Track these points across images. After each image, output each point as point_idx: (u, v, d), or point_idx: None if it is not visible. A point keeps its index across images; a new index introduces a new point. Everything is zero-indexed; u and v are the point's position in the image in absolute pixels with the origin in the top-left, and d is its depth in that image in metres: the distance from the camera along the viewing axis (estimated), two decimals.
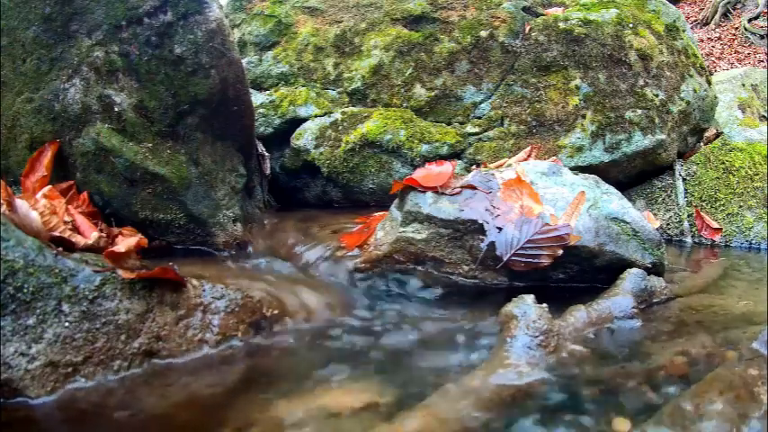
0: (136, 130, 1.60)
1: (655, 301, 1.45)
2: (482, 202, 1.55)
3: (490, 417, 0.95)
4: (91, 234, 1.42)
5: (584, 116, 2.29)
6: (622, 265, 1.51)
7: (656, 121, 2.34)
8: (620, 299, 1.38)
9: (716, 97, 2.76)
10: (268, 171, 2.17)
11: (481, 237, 1.51)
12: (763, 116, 3.24)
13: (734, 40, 9.50)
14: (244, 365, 1.20)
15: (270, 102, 2.46)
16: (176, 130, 1.64)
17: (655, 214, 2.46)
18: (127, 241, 1.30)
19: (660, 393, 1.01)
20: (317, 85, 2.47)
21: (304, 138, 2.34)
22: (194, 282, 1.29)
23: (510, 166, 1.78)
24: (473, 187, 1.58)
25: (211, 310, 1.27)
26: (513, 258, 1.49)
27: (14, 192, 1.46)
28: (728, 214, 2.40)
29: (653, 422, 0.90)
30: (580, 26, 2.34)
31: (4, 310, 1.04)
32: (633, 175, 2.47)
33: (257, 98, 2.44)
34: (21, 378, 1.02)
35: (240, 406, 1.03)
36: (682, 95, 2.47)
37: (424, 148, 2.26)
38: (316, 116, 2.39)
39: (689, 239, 2.40)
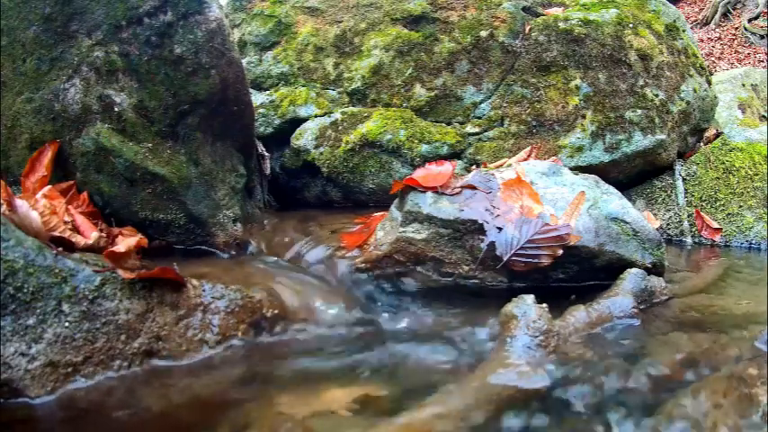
0: (136, 130, 1.60)
1: (655, 301, 1.45)
2: (482, 202, 1.55)
3: (490, 417, 0.95)
4: (91, 234, 1.42)
5: (584, 116, 2.29)
6: (622, 265, 1.51)
7: (656, 121, 2.34)
8: (620, 299, 1.38)
9: (716, 97, 2.76)
10: (268, 171, 2.17)
11: (481, 237, 1.51)
12: (763, 116, 3.24)
13: (734, 40, 9.51)
14: (244, 365, 1.20)
15: (270, 102, 2.46)
16: (176, 130, 1.64)
17: (655, 214, 2.46)
18: (127, 241, 1.30)
19: (660, 393, 1.01)
20: (317, 85, 2.47)
21: (304, 138, 2.34)
22: (194, 282, 1.29)
23: (510, 166, 1.78)
24: (473, 187, 1.58)
25: (211, 310, 1.27)
26: (513, 258, 1.49)
27: (14, 192, 1.46)
28: (728, 214, 2.39)
29: (653, 422, 0.90)
30: (580, 26, 2.34)
31: (4, 310, 1.04)
32: (633, 175, 2.47)
33: (257, 98, 2.44)
34: (21, 378, 1.02)
35: (240, 406, 1.03)
36: (682, 95, 2.47)
37: (424, 148, 2.26)
38: (316, 116, 2.39)
39: (689, 239, 2.40)
